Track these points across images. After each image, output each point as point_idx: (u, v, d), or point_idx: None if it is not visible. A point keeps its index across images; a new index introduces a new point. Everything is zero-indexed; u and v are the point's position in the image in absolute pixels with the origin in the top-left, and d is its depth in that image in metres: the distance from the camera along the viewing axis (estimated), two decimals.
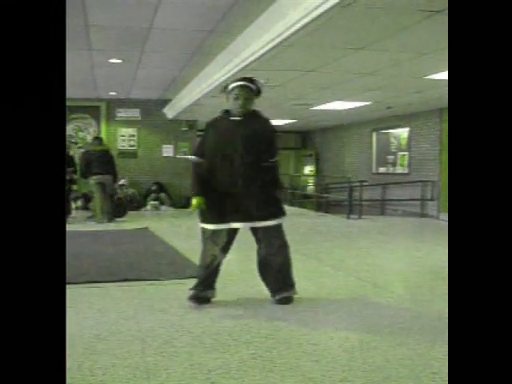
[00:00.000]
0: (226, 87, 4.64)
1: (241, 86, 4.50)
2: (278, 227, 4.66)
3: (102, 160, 11.13)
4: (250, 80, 4.58)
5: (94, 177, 10.97)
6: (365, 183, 14.45)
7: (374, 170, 16.75)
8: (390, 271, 6.27)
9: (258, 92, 4.60)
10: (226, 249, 4.63)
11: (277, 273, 4.65)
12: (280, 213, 4.67)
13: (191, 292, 4.63)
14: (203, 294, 4.64)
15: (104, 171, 11.07)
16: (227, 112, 4.63)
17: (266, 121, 4.69)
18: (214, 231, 4.54)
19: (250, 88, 4.52)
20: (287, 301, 4.65)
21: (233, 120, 4.55)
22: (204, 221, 4.60)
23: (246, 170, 4.45)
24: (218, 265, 4.67)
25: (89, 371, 3.20)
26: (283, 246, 4.68)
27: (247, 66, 7.74)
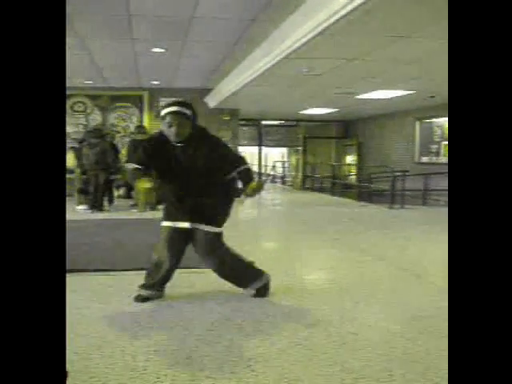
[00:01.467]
0: (159, 113, 4.35)
1: (174, 112, 4.13)
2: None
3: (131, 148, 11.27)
4: (184, 104, 4.23)
5: None
6: (407, 173, 14.30)
7: (416, 160, 16.55)
8: (432, 261, 6.20)
9: (193, 116, 4.22)
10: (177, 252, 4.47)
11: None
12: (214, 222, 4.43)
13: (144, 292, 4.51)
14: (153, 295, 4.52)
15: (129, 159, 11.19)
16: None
17: (209, 139, 4.39)
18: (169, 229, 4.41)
19: (183, 114, 4.14)
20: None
21: (175, 146, 4.26)
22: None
23: (200, 192, 4.31)
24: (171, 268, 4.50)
25: (131, 357, 3.25)
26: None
27: (290, 54, 7.73)
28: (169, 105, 4.22)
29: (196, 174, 4.27)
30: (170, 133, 4.14)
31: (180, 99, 4.43)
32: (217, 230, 4.39)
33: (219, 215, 4.45)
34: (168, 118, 4.12)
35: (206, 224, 4.34)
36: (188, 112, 4.17)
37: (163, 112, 4.18)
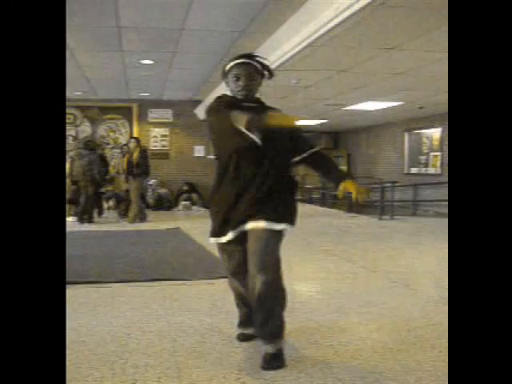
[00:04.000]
0: (224, 70, 3.51)
1: (241, 63, 3.39)
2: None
3: (144, 160, 11.28)
4: (254, 57, 3.47)
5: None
6: (396, 184, 14.36)
7: (405, 171, 16.63)
8: (422, 272, 6.21)
9: (264, 72, 3.50)
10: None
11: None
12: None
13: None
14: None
15: (145, 171, 11.25)
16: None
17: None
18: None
19: (253, 66, 3.41)
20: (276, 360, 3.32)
21: (247, 105, 3.36)
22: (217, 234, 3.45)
23: (270, 171, 3.30)
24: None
25: (120, 370, 3.22)
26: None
27: (279, 66, 7.74)
28: (236, 57, 3.47)
29: (270, 145, 3.31)
30: (238, 87, 3.38)
31: (252, 53, 3.55)
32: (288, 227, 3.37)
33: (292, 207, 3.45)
34: (235, 70, 3.39)
35: (276, 221, 3.27)
36: (258, 66, 3.44)
37: (229, 65, 3.44)
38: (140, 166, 11.11)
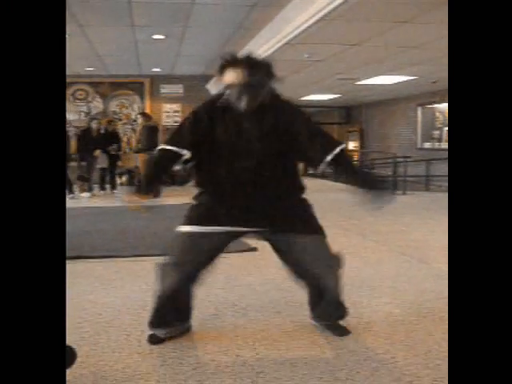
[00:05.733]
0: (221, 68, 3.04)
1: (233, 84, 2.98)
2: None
3: (153, 135, 11.33)
4: (255, 63, 3.00)
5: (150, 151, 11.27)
6: (409, 159, 14.30)
7: (418, 146, 16.54)
8: (435, 247, 6.22)
9: (267, 80, 3.05)
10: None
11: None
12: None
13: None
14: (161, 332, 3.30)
15: (153, 146, 11.32)
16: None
17: (289, 106, 3.18)
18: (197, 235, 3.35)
19: (253, 83, 2.96)
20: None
21: (240, 113, 3.02)
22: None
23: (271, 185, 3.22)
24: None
25: (137, 341, 3.28)
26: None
27: (290, 40, 7.72)
28: (234, 62, 2.99)
29: (268, 151, 3.09)
30: (237, 102, 2.99)
31: (250, 56, 3.04)
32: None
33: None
34: (228, 89, 3.00)
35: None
36: (260, 76, 2.99)
37: (227, 76, 2.99)
38: (142, 142, 11.13)
